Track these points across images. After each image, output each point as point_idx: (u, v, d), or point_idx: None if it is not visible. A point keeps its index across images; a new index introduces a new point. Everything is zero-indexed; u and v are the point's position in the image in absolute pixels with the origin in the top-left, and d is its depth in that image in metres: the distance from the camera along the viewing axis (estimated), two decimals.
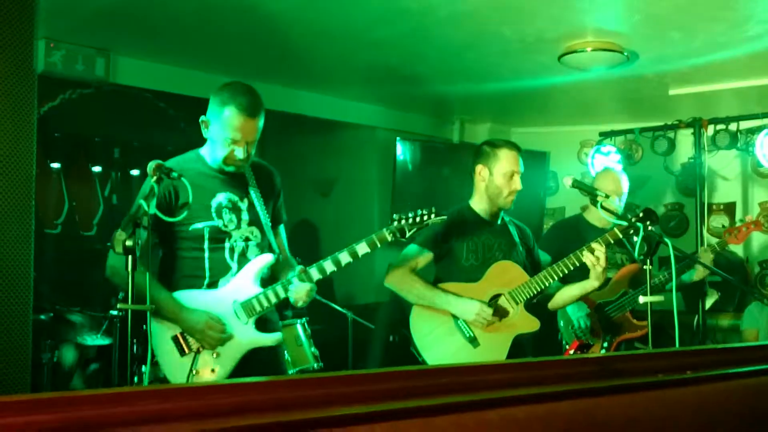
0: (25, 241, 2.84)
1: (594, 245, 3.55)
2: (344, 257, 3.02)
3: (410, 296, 3.63)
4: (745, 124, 6.27)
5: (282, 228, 3.34)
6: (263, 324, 3.08)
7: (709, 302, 6.43)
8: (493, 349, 3.54)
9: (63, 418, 0.91)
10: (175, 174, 2.84)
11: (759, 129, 6.11)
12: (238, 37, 5.19)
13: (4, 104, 2.79)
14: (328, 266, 3.03)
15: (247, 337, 3.02)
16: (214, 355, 2.96)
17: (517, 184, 3.71)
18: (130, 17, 4.86)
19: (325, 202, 7.64)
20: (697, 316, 6.11)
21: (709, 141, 6.39)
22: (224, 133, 2.96)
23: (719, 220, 7.09)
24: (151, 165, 2.78)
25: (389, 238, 3.06)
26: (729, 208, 7.10)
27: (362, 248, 3.03)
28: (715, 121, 6.35)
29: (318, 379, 1.15)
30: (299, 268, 3.04)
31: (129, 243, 2.45)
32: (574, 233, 4.42)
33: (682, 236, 7.10)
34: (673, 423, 1.43)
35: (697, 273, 4.44)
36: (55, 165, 6.51)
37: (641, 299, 3.36)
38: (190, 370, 2.91)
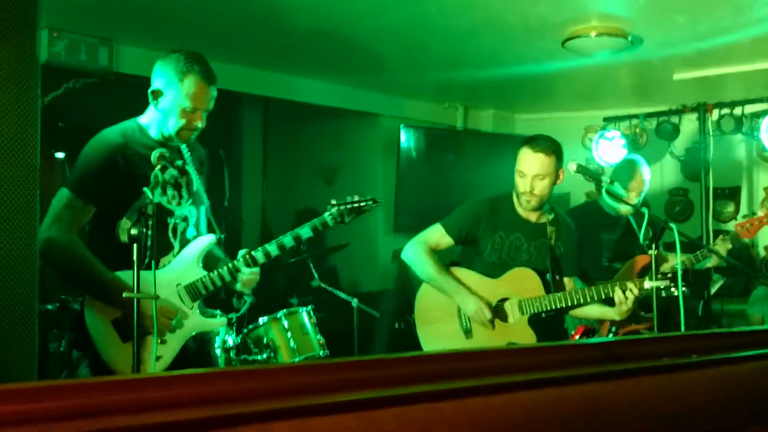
0: (30, 231, 2.83)
1: (630, 285, 3.47)
2: (288, 241, 2.99)
3: (423, 275, 3.69)
4: (749, 108, 6.26)
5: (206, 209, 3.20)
6: (203, 309, 3.03)
7: (714, 288, 6.42)
8: (485, 345, 3.55)
9: (71, 406, 0.91)
10: (179, 162, 2.83)
11: (764, 113, 6.09)
12: (240, 24, 5.18)
13: (7, 94, 2.79)
14: (273, 250, 2.98)
15: (192, 321, 2.94)
16: (160, 341, 2.83)
17: (525, 185, 3.57)
18: (133, 6, 4.85)
19: (329, 190, 7.64)
20: (702, 302, 6.10)
21: (714, 125, 6.37)
22: (184, 102, 2.88)
23: (724, 205, 7.07)
24: (155, 154, 2.77)
25: (330, 223, 3.06)
26: (734, 193, 7.08)
27: (305, 232, 3.01)
28: (719, 105, 6.33)
29: (322, 365, 1.16)
30: (244, 251, 2.98)
31: (134, 231, 2.44)
32: (590, 221, 4.41)
33: (687, 221, 7.08)
34: (680, 407, 1.43)
35: (712, 260, 4.42)
36: (59, 155, 6.51)
37: (646, 284, 3.37)
38: (138, 359, 2.68)
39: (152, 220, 2.48)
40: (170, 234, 2.96)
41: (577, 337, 3.92)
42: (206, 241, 3.00)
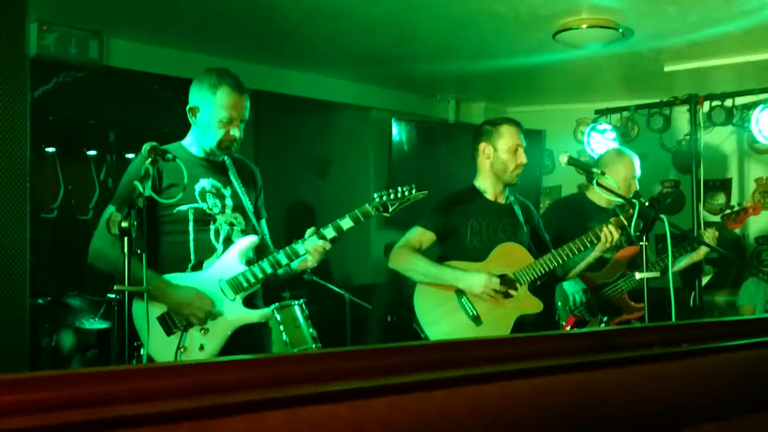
0: (20, 225, 2.83)
1: (608, 227, 3.60)
2: (329, 232, 3.06)
3: (416, 275, 3.65)
4: (740, 100, 6.26)
5: (264, 223, 3.35)
6: (250, 303, 3.10)
7: (705, 279, 6.45)
8: (496, 328, 3.56)
9: (61, 396, 0.91)
10: (169, 156, 2.84)
11: (755, 104, 6.09)
12: (231, 17, 5.16)
13: None
14: (313, 240, 3.06)
15: (235, 313, 3.02)
16: (203, 332, 2.96)
17: (522, 157, 3.76)
18: None
19: (321, 182, 7.64)
20: (693, 293, 6.13)
21: (705, 117, 6.38)
22: (219, 113, 2.99)
23: (715, 197, 7.10)
24: (146, 147, 2.79)
25: (372, 213, 3.11)
26: (725, 185, 7.11)
27: (346, 223, 3.07)
28: (710, 97, 6.33)
29: (314, 355, 1.16)
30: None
31: (125, 224, 2.45)
32: (575, 212, 4.40)
33: (678, 213, 7.11)
34: (671, 396, 1.44)
35: (693, 257, 4.41)
36: (50, 149, 6.48)
37: (637, 275, 3.38)
38: (178, 347, 2.91)
39: (141, 213, 2.49)
40: (212, 237, 3.06)
41: (568, 328, 3.93)
42: (249, 240, 3.10)
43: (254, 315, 3.09)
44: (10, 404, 0.87)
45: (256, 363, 1.11)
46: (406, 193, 3.12)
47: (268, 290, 5.48)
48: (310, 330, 4.66)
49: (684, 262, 4.44)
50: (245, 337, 3.08)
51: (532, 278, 3.63)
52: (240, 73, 6.82)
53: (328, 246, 3.06)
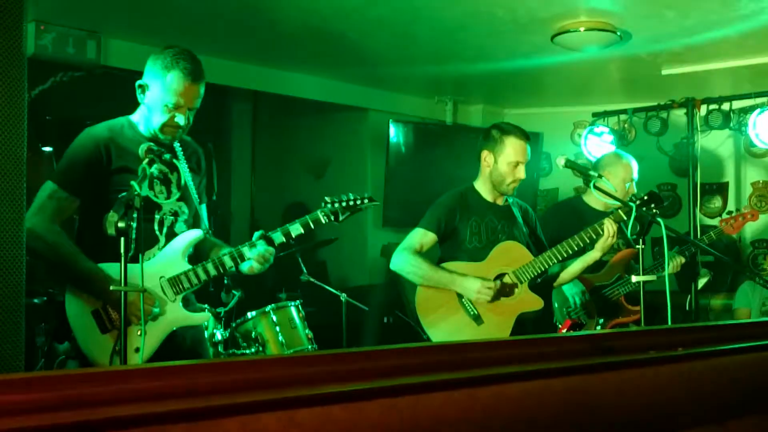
0: (17, 225, 2.82)
1: (606, 222, 3.66)
2: (277, 237, 2.99)
3: (416, 278, 3.70)
4: (738, 104, 6.27)
5: (203, 208, 3.20)
6: (188, 303, 3.00)
7: (701, 282, 6.45)
8: (497, 327, 3.61)
9: (58, 397, 0.91)
10: (167, 156, 2.82)
11: (752, 108, 6.11)
12: (229, 18, 5.16)
13: None
14: (261, 245, 2.97)
15: (173, 315, 2.89)
16: (139, 333, 2.78)
17: (520, 173, 3.75)
18: None
19: (318, 183, 7.64)
20: (689, 297, 6.13)
21: (702, 121, 6.39)
22: (166, 98, 2.88)
23: (712, 201, 7.11)
24: (143, 147, 2.76)
25: (323, 220, 3.07)
26: (722, 188, 7.12)
27: (296, 229, 3.01)
28: (708, 100, 6.34)
29: (309, 357, 1.16)
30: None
31: (121, 224, 2.43)
32: (572, 216, 4.39)
33: (675, 216, 7.11)
34: (666, 399, 1.44)
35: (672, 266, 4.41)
36: (47, 149, 6.48)
37: (634, 278, 3.38)
38: (114, 349, 2.74)
39: (139, 214, 2.48)
40: (156, 227, 2.94)
41: (564, 330, 3.93)
42: (192, 236, 2.98)
43: (194, 318, 2.98)
44: (7, 404, 0.87)
45: (252, 364, 1.11)
46: (358, 203, 3.10)
47: (264, 289, 5.50)
48: (306, 331, 4.67)
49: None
50: (181, 339, 2.96)
51: (532, 276, 3.66)
52: (238, 74, 6.83)
53: (273, 251, 2.98)
